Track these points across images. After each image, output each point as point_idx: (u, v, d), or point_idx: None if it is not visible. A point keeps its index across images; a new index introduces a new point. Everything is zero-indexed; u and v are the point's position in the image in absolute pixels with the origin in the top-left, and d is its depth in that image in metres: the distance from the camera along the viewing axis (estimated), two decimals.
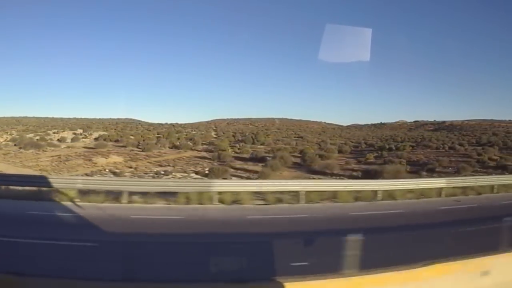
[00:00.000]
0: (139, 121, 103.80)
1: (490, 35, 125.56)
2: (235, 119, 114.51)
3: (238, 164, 27.92)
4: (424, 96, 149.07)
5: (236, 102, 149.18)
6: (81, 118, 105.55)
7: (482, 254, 3.69)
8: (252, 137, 47.74)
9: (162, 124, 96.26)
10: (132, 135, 52.67)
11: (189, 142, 43.08)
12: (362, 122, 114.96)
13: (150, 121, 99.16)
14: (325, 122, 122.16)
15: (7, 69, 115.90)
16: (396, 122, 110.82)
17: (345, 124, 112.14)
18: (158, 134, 54.97)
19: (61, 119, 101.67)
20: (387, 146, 44.12)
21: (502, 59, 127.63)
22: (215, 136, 59.48)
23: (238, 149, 38.54)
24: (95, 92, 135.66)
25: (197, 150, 39.47)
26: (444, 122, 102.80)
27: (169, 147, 41.22)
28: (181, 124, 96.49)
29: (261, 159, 31.19)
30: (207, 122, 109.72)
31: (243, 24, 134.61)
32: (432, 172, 28.69)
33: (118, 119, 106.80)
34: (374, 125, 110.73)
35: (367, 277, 3.31)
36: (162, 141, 42.42)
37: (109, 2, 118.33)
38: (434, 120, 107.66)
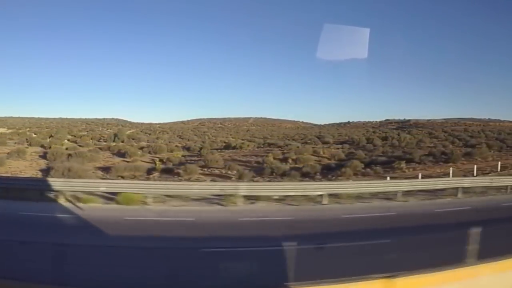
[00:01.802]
0: (125, 120, 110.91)
1: (481, 34, 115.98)
2: (212, 118, 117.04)
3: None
4: (411, 95, 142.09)
5: (221, 102, 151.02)
6: (66, 118, 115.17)
7: None
8: (114, 135, 50.06)
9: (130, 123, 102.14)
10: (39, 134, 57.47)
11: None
12: (339, 120, 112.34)
13: (135, 121, 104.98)
14: (302, 121, 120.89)
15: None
16: (361, 121, 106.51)
17: (320, 123, 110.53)
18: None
19: (47, 119, 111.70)
20: (235, 145, 43.70)
21: (494, 59, 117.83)
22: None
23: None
24: (87, 92, 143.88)
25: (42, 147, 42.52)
26: (408, 120, 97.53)
27: (27, 144, 44.86)
28: (141, 123, 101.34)
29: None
30: (183, 122, 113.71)
31: (231, 24, 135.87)
32: (172, 175, 27.95)
33: (104, 119, 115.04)
34: (338, 124, 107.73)
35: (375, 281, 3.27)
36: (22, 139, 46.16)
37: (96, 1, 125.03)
38: (404, 119, 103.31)
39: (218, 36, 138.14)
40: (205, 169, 28.64)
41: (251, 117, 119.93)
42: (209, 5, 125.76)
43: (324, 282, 3.33)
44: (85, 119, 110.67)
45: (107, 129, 68.04)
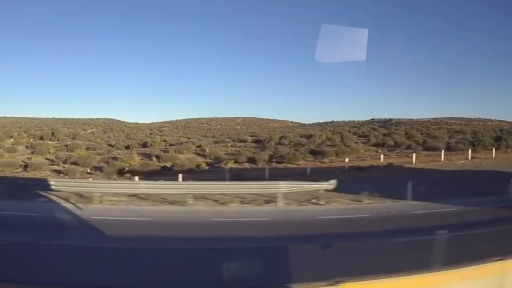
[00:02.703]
0: (118, 120, 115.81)
1: (478, 33, 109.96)
2: (200, 118, 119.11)
3: None
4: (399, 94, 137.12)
5: (210, 101, 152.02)
6: (60, 118, 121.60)
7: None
8: (51, 133, 53.27)
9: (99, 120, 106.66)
10: None
11: None
12: (325, 120, 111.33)
13: (129, 120, 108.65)
14: (290, 121, 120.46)
15: None
16: (345, 120, 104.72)
17: (307, 122, 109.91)
18: None
19: (41, 118, 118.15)
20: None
21: (489, 58, 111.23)
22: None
23: None
24: (86, 93, 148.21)
25: None
26: (391, 119, 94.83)
27: None
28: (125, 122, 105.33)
29: None
30: (171, 121, 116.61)
31: (225, 23, 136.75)
32: None
33: (97, 119, 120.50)
34: (322, 123, 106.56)
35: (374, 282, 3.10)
36: None
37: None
38: (389, 118, 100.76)
39: (211, 36, 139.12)
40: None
41: (239, 117, 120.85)
42: (202, 5, 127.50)
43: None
44: (78, 119, 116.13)
45: (70, 128, 71.91)
